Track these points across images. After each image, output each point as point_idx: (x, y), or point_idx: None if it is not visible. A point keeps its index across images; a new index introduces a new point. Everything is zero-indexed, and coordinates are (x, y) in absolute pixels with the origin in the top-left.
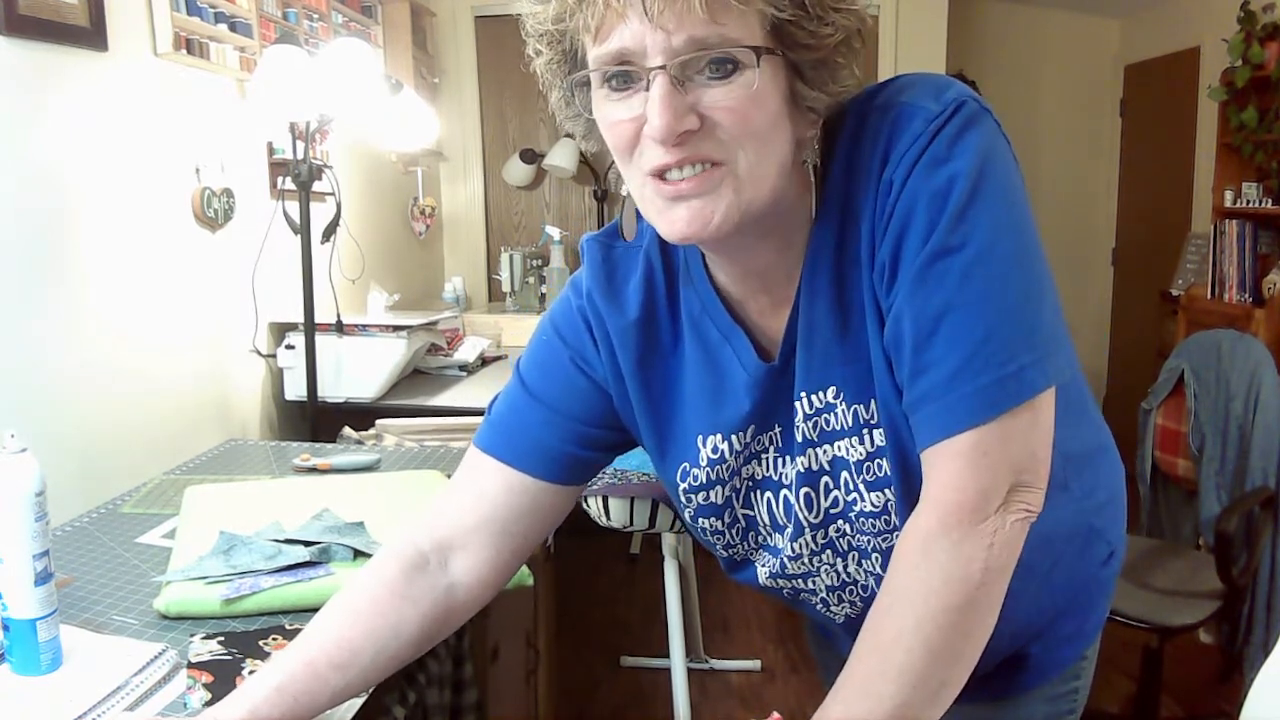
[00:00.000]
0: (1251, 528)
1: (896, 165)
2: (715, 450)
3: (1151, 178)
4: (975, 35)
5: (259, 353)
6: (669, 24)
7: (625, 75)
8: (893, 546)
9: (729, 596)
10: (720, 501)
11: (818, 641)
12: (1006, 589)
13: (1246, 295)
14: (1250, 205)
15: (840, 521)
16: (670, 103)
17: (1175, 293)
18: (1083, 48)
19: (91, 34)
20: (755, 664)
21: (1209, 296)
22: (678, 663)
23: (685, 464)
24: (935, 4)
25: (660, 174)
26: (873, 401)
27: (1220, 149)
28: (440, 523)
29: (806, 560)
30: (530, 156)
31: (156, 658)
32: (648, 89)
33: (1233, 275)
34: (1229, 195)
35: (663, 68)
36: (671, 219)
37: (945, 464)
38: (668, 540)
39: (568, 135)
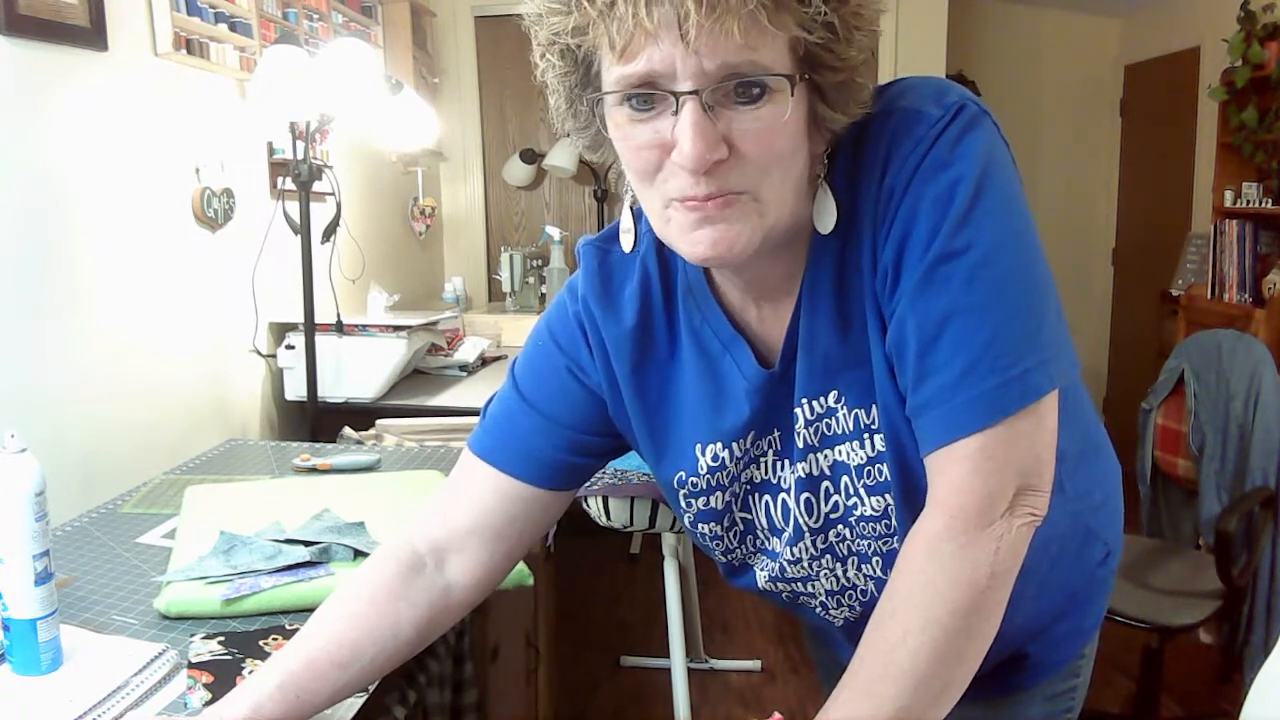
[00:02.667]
0: (1251, 528)
1: (898, 170)
2: (715, 458)
3: (1151, 178)
4: (975, 35)
5: (259, 353)
6: (703, 48)
7: (649, 96)
8: (893, 551)
9: (729, 597)
10: (720, 507)
11: (816, 645)
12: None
13: (1246, 295)
14: (1250, 205)
15: (840, 526)
16: (702, 130)
17: (1175, 293)
18: (1083, 48)
19: (91, 34)
20: (755, 664)
21: (1209, 296)
22: (678, 663)
23: (682, 472)
24: (935, 4)
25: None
26: (874, 406)
27: (1220, 149)
28: (435, 525)
29: (806, 564)
30: (530, 156)
31: (156, 658)
32: (675, 112)
33: (1233, 275)
34: (1229, 195)
35: (695, 93)
36: (694, 240)
37: (951, 468)
38: (668, 540)
39: (567, 135)
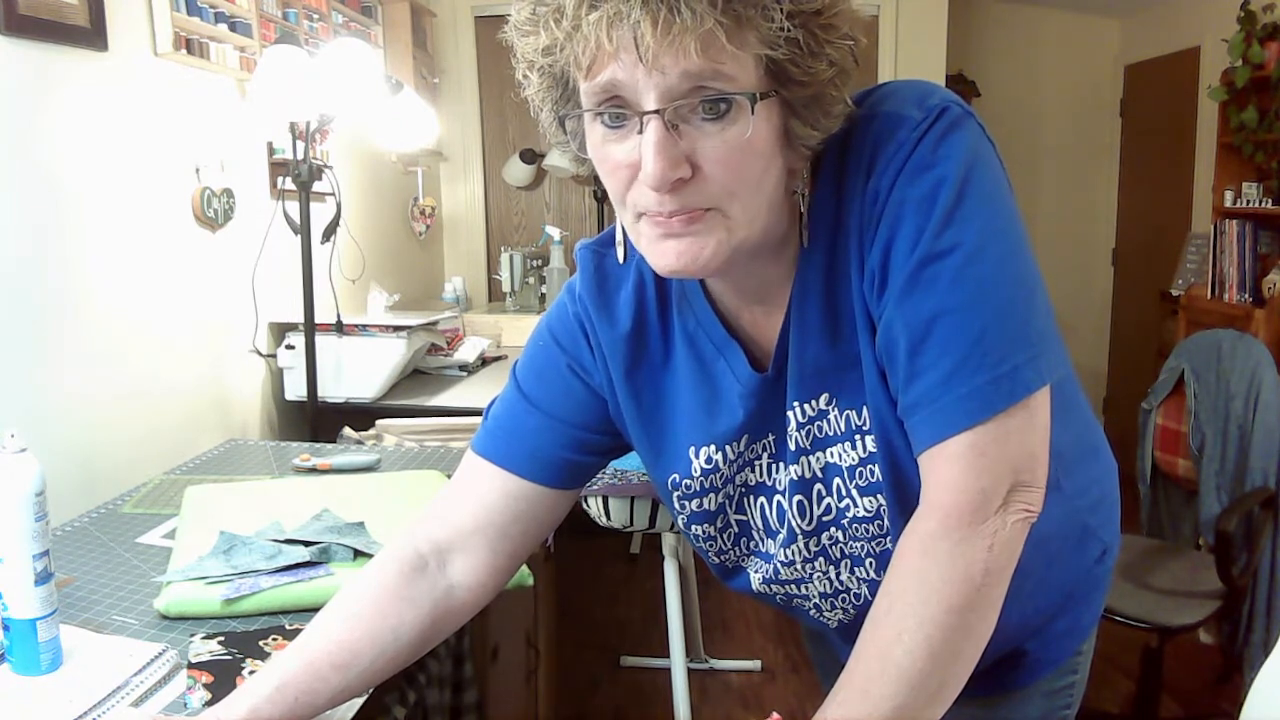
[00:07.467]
0: (1251, 528)
1: (882, 174)
2: (709, 460)
3: (1151, 178)
4: (975, 35)
5: (259, 353)
6: (663, 66)
7: (619, 114)
8: (886, 552)
9: (729, 597)
10: (713, 508)
11: (815, 644)
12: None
13: (1246, 295)
14: (1250, 205)
15: (833, 529)
16: (664, 150)
17: (1175, 293)
18: (1083, 48)
19: (91, 34)
20: (755, 664)
21: (1209, 296)
22: (678, 663)
23: (676, 474)
24: (935, 4)
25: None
26: (864, 408)
27: (1220, 149)
28: (439, 526)
29: (799, 567)
30: (530, 156)
31: (156, 658)
32: (641, 131)
33: (1233, 275)
34: (1229, 195)
35: (657, 112)
36: (662, 251)
37: (943, 466)
38: (668, 540)
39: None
